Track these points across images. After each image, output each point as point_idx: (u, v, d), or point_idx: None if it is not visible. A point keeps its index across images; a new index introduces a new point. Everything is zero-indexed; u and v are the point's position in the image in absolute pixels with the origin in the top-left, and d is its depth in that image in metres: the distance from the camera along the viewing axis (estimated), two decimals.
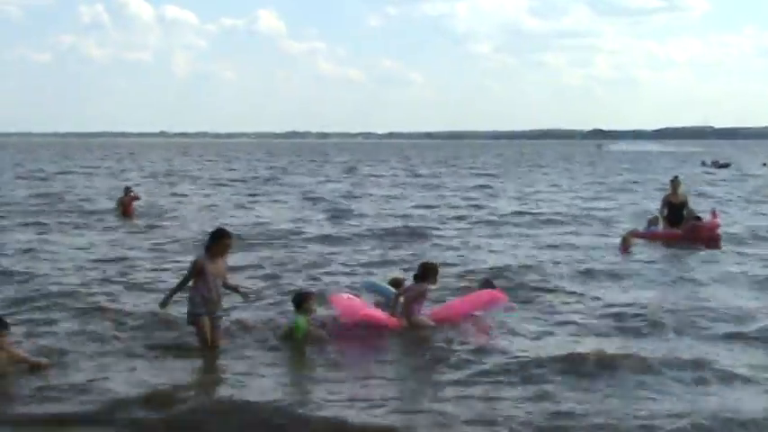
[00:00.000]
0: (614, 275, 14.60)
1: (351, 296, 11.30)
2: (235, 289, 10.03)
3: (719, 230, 18.99)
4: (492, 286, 11.89)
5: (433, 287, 11.03)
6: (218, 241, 9.48)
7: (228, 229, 10.36)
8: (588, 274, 14.73)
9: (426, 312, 10.83)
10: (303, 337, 9.99)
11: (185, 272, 9.85)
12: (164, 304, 9.71)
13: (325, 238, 19.70)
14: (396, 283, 11.48)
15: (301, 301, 10.41)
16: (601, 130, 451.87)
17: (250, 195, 34.85)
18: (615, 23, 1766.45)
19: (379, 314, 10.62)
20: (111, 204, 26.74)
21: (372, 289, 11.94)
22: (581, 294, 12.86)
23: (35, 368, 8.54)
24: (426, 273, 10.81)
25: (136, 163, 75.66)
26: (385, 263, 15.90)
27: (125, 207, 24.85)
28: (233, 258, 11.74)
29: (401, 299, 10.70)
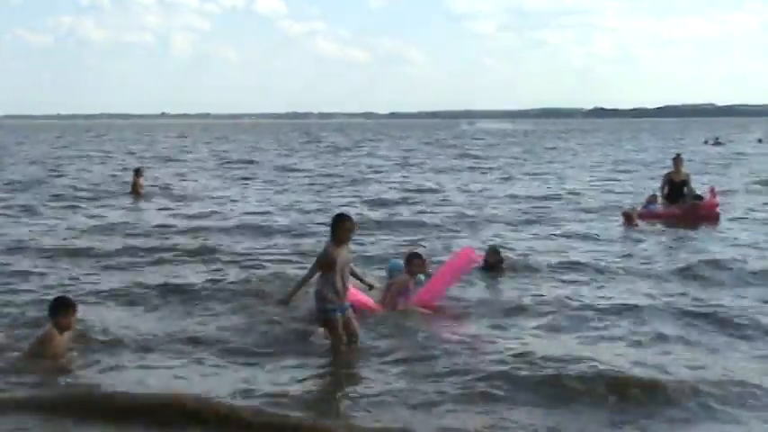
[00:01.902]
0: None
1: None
2: (361, 278, 9.38)
3: (719, 209, 19.32)
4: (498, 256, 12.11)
5: (422, 277, 10.77)
6: (339, 225, 8.64)
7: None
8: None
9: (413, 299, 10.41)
10: None
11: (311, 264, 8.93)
12: (286, 301, 8.97)
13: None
14: (411, 258, 10.89)
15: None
16: (602, 109, 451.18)
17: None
18: (616, 1, 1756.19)
19: (364, 299, 10.00)
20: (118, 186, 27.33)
21: (398, 269, 11.13)
22: None
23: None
24: (407, 263, 10.56)
25: (141, 145, 75.77)
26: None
27: (136, 187, 25.50)
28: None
29: (392, 287, 10.40)
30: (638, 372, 7.81)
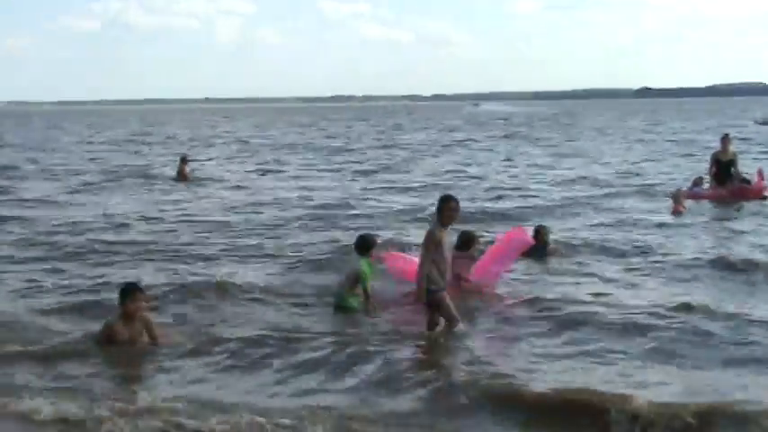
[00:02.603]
0: None
1: (408, 256, 11.02)
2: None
3: (767, 192, 19.05)
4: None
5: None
6: (445, 206, 8.53)
7: None
8: None
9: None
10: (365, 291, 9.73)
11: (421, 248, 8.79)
12: (423, 299, 8.77)
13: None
14: (465, 238, 10.86)
15: (368, 244, 10.12)
16: (649, 89, 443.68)
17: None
18: None
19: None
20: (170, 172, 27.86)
21: None
22: None
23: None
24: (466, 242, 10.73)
25: (188, 130, 76.62)
26: None
27: (182, 173, 26.01)
28: None
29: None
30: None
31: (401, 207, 19.58)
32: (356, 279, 9.86)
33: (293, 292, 10.91)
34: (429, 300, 8.67)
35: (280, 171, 30.07)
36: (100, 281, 11.42)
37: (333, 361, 7.99)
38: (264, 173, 29.50)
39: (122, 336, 8.25)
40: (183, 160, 26.64)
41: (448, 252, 8.73)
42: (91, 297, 10.46)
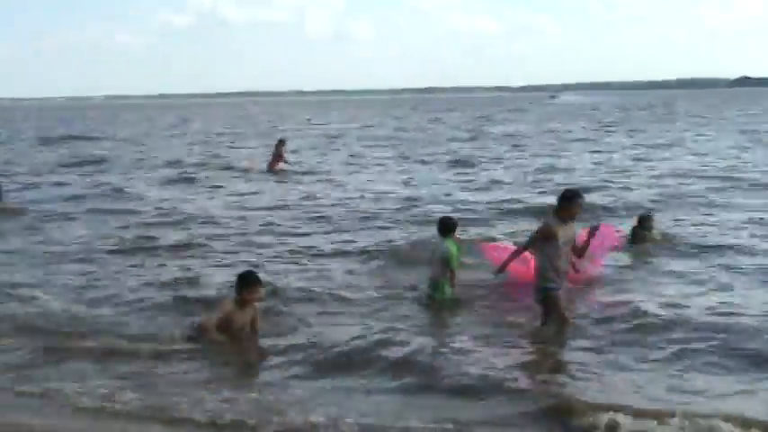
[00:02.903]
0: None
1: (506, 245, 10.84)
2: (581, 253, 8.80)
3: None
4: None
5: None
6: (572, 202, 8.21)
7: None
8: None
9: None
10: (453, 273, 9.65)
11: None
12: (499, 270, 8.96)
13: None
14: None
15: (450, 225, 9.93)
16: (747, 78, 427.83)
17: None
18: None
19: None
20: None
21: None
22: None
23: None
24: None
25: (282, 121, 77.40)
26: None
27: (274, 164, 26.09)
28: None
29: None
30: None
31: (490, 199, 19.30)
32: (446, 261, 9.72)
33: (385, 286, 10.78)
34: (542, 298, 8.39)
35: (370, 163, 29.92)
36: (187, 275, 11.44)
37: (417, 361, 7.72)
38: (354, 165, 29.42)
39: (237, 323, 8.26)
40: (279, 147, 26.62)
41: (566, 247, 8.29)
42: (177, 293, 10.40)
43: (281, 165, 26.05)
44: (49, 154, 36.94)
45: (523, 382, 7.22)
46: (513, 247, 9.63)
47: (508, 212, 17.25)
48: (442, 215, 10.95)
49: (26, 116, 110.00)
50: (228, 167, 28.27)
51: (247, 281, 8.29)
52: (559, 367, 7.80)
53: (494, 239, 12.65)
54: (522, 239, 9.52)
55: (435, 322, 9.42)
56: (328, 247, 13.48)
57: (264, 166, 26.43)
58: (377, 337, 8.43)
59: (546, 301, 8.38)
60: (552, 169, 26.24)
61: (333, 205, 18.55)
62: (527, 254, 9.07)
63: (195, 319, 8.82)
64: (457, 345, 8.25)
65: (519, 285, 10.11)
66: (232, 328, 8.23)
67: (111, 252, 13.29)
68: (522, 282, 9.75)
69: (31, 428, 6.01)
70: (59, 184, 23.85)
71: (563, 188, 9.07)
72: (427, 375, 7.37)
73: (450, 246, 9.76)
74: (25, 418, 6.35)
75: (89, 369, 7.64)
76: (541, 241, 8.22)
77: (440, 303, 9.76)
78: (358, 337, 8.43)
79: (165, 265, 12.34)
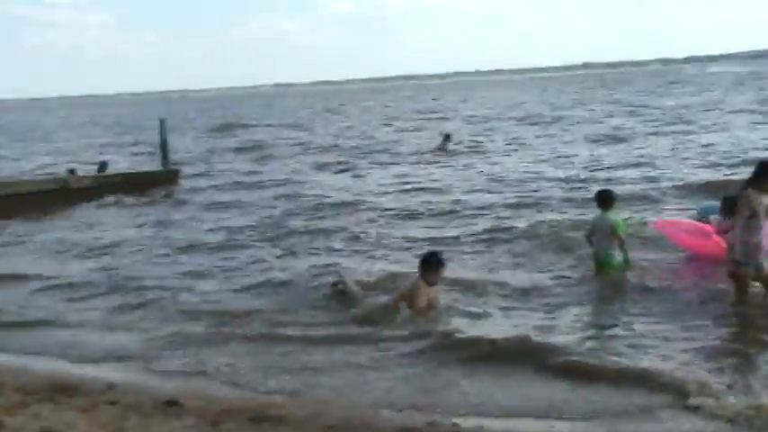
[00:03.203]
0: None
1: (681, 220, 10.47)
2: None
3: None
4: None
5: None
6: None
7: None
8: None
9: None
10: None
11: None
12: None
13: None
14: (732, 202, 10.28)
15: (611, 197, 9.73)
16: None
17: None
18: None
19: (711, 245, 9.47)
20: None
21: (708, 213, 10.47)
22: None
23: None
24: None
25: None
26: None
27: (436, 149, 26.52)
28: None
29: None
30: None
31: (653, 175, 18.53)
32: (612, 231, 9.51)
33: (545, 270, 10.48)
34: (733, 270, 7.98)
35: (531, 143, 29.22)
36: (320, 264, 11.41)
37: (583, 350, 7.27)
38: (513, 144, 28.91)
39: (422, 301, 8.45)
40: (444, 142, 27.02)
41: (766, 220, 7.75)
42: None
43: (443, 150, 26.38)
44: (219, 141, 38.87)
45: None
46: (689, 222, 9.45)
47: (681, 189, 16.42)
48: (600, 189, 10.62)
49: (205, 106, 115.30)
50: (390, 152, 28.54)
51: (431, 262, 8.51)
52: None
53: (663, 216, 12.19)
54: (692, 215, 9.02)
55: (605, 304, 9.01)
56: (485, 230, 13.28)
57: (428, 155, 26.51)
58: (539, 323, 8.23)
59: (734, 276, 7.99)
60: (723, 143, 24.55)
61: (491, 186, 18.43)
62: (709, 227, 8.59)
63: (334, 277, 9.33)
64: (633, 331, 7.82)
65: (700, 261, 9.71)
66: (416, 306, 8.41)
67: (273, 238, 13.63)
68: (704, 257, 9.41)
69: (230, 403, 6.24)
70: (224, 171, 25.08)
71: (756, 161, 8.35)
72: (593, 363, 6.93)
73: (614, 216, 9.62)
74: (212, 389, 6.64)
75: (249, 350, 7.85)
76: (744, 214, 7.71)
77: (611, 277, 9.54)
78: (517, 326, 8.16)
79: (318, 251, 12.44)
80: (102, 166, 22.93)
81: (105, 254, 13.21)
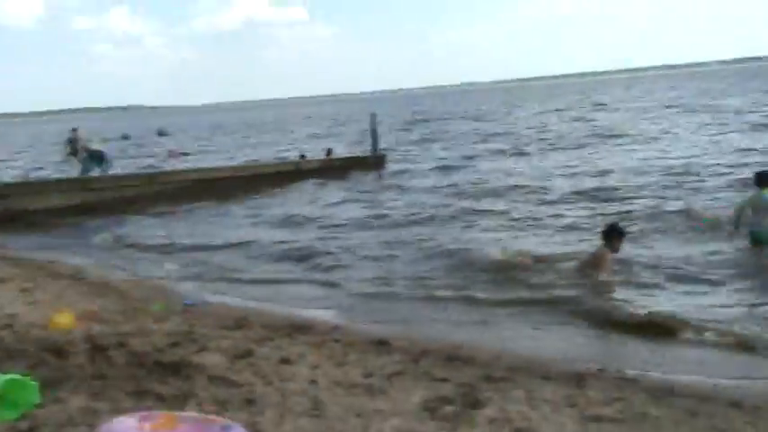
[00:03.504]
0: None
1: None
2: None
3: None
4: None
5: None
6: None
7: None
8: None
9: None
10: None
11: None
12: None
13: None
14: None
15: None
16: None
17: None
18: None
19: None
20: None
21: None
22: None
23: None
24: None
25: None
26: None
27: None
28: None
29: None
30: None
31: None
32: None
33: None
34: None
35: (686, 131, 27.30)
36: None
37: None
38: (671, 134, 27.16)
39: (606, 266, 8.41)
40: None
41: None
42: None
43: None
44: (415, 132, 39.68)
45: None
46: None
47: None
48: (759, 169, 9.99)
49: (399, 104, 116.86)
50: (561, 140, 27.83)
51: (616, 231, 8.47)
52: None
53: None
54: None
55: (763, 279, 8.36)
56: (644, 209, 12.80)
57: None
58: (698, 298, 7.82)
59: None
60: None
61: (651, 170, 17.50)
62: None
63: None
64: None
65: None
66: (605, 270, 8.36)
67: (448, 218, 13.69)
68: None
69: (428, 345, 6.44)
70: (417, 157, 25.71)
71: None
72: None
73: None
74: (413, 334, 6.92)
75: (439, 307, 8.06)
76: None
77: (762, 243, 8.99)
78: (675, 300, 7.79)
79: (498, 229, 12.36)
80: (329, 151, 24.36)
81: (324, 225, 13.84)
